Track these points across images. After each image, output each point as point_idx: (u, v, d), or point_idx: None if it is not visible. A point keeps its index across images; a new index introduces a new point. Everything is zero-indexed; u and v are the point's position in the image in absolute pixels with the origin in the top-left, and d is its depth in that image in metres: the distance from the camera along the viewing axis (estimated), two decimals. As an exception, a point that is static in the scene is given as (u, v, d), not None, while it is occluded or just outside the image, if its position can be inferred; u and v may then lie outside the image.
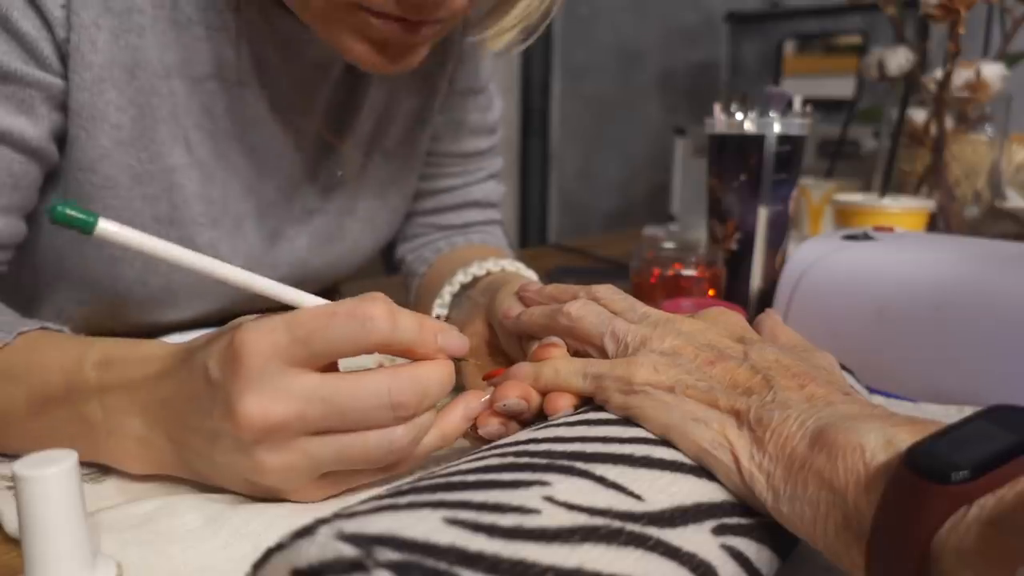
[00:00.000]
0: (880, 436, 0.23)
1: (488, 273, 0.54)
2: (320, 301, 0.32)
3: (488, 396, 0.33)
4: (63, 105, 0.45)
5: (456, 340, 0.32)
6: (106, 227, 0.28)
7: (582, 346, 0.35)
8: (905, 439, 0.23)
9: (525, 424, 0.34)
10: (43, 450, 0.36)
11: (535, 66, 2.40)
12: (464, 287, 0.54)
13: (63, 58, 0.43)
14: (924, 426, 0.24)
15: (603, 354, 0.34)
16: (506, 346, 0.43)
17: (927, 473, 0.21)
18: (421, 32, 0.43)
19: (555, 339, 0.36)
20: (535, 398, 0.33)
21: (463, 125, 0.67)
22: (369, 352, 0.30)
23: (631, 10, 2.19)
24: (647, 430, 0.29)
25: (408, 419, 0.30)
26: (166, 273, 0.51)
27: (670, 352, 0.31)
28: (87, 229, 0.28)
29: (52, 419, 0.35)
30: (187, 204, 0.50)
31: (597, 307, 0.36)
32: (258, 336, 0.29)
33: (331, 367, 0.31)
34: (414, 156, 0.64)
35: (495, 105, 0.69)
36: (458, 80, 0.65)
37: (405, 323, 0.30)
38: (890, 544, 0.21)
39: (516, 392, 0.33)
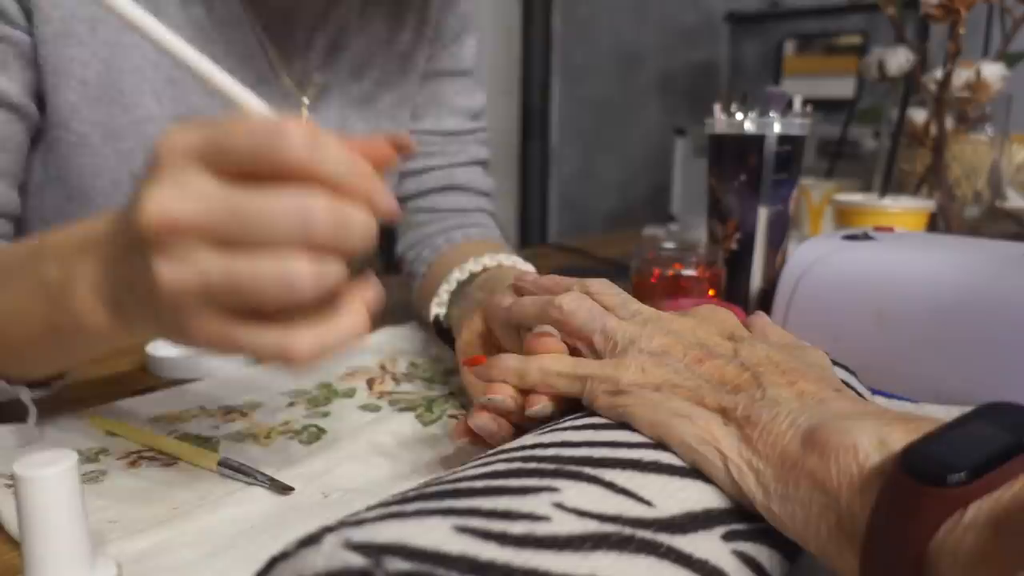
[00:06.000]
0: (873, 436, 0.23)
1: (485, 269, 0.53)
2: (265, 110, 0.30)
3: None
4: (34, 61, 0.44)
5: (386, 198, 0.28)
6: None
7: (572, 341, 0.35)
8: (899, 439, 0.23)
9: (516, 424, 0.35)
10: (5, 329, 0.35)
11: (535, 67, 2.40)
12: (461, 284, 0.54)
13: (27, 13, 0.43)
14: (918, 425, 0.23)
15: (593, 350, 0.34)
16: (500, 338, 0.43)
17: (923, 476, 0.20)
18: None
19: (548, 328, 0.36)
20: (520, 397, 0.34)
21: (443, 104, 0.69)
22: (285, 171, 0.26)
23: (631, 11, 2.19)
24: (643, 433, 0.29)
25: (317, 255, 0.26)
26: None
27: (659, 351, 0.31)
28: None
29: (13, 294, 0.35)
30: None
31: (589, 302, 0.35)
32: (178, 134, 0.27)
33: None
34: (405, 87, 0.67)
35: (477, 95, 0.72)
36: (444, 33, 0.67)
37: (330, 152, 0.26)
38: (886, 547, 0.21)
39: (506, 391, 0.34)
